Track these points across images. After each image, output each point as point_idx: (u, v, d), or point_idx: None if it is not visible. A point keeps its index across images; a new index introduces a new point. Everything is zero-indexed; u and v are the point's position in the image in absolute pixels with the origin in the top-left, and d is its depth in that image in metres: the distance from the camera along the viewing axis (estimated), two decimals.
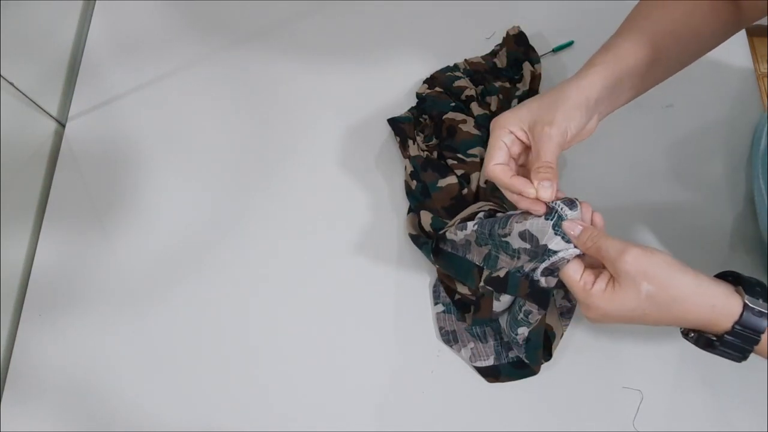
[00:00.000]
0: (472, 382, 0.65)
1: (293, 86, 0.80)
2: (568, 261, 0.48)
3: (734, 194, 0.71)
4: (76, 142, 0.79)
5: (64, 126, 0.80)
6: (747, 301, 0.41)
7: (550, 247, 0.49)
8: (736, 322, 0.41)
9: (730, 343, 0.41)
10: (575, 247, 0.48)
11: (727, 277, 0.46)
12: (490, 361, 0.65)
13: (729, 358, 0.43)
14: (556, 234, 0.49)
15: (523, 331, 0.60)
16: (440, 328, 0.67)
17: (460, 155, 0.70)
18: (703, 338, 0.43)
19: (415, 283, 0.69)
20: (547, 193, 0.48)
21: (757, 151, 0.68)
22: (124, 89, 0.82)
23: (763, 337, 0.41)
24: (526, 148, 0.51)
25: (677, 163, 0.73)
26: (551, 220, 0.49)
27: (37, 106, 0.76)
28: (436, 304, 0.68)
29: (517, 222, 0.54)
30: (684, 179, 0.72)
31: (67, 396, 0.68)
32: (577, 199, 0.51)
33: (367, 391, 0.66)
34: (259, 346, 0.68)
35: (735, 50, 0.77)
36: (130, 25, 0.86)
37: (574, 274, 0.46)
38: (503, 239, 0.56)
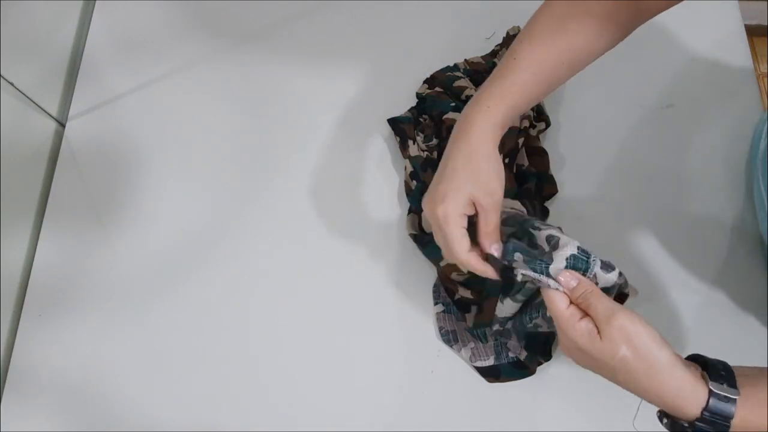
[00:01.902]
0: (472, 382, 0.65)
1: (293, 86, 0.80)
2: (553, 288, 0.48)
3: (734, 194, 0.71)
4: (76, 142, 0.79)
5: (64, 126, 0.80)
6: (711, 387, 0.41)
7: (553, 263, 0.48)
8: (704, 409, 0.40)
9: (702, 430, 0.41)
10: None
11: (697, 360, 0.45)
12: (490, 361, 0.65)
13: None
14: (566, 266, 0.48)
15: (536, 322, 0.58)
16: (440, 328, 0.67)
17: None
18: (677, 425, 0.43)
19: (415, 283, 0.69)
20: (498, 252, 0.52)
21: (757, 151, 0.68)
22: (124, 89, 0.82)
23: (734, 422, 0.40)
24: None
25: (677, 163, 0.73)
26: (580, 255, 0.49)
27: (37, 106, 0.76)
28: (436, 304, 0.68)
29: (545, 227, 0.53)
30: (684, 179, 0.72)
31: (67, 396, 0.68)
32: (612, 264, 0.50)
33: (367, 391, 0.66)
34: (258, 347, 0.68)
35: (735, 50, 0.77)
36: (130, 25, 0.86)
37: (561, 303, 0.46)
38: (533, 229, 0.54)
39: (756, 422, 0.40)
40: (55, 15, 0.83)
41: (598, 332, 0.44)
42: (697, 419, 0.41)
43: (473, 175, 0.50)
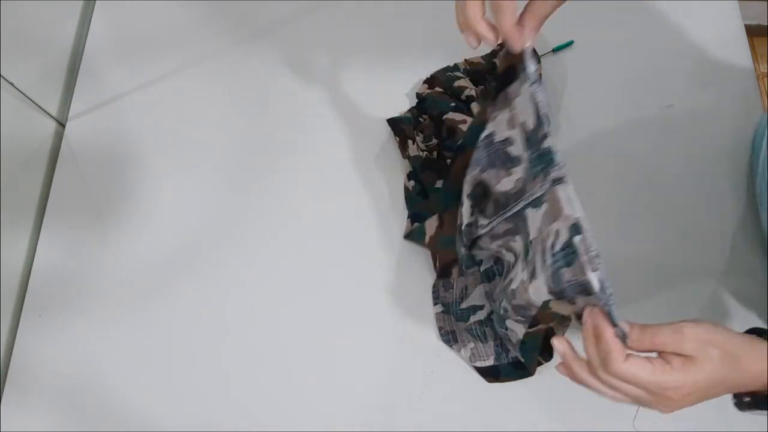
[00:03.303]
0: (472, 382, 0.65)
1: (293, 86, 0.80)
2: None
3: (734, 194, 0.71)
4: (76, 142, 0.79)
5: (64, 126, 0.80)
6: None
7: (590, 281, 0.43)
8: None
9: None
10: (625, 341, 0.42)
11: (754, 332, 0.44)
12: (490, 361, 0.65)
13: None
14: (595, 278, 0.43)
15: (513, 326, 0.57)
16: (440, 328, 0.67)
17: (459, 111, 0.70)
18: (763, 398, 0.41)
19: (415, 284, 0.69)
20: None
21: (758, 151, 0.68)
22: (124, 89, 0.82)
23: None
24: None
25: (677, 163, 0.73)
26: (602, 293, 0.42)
27: (37, 106, 0.76)
28: (435, 304, 0.68)
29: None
30: (684, 179, 0.72)
31: (66, 396, 0.68)
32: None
33: (368, 391, 0.66)
34: (258, 347, 0.68)
35: (735, 50, 0.77)
36: (130, 25, 0.86)
37: (644, 369, 0.40)
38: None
39: None
40: (55, 15, 0.83)
41: (684, 359, 0.41)
42: None
43: None
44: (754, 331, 0.44)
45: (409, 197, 0.72)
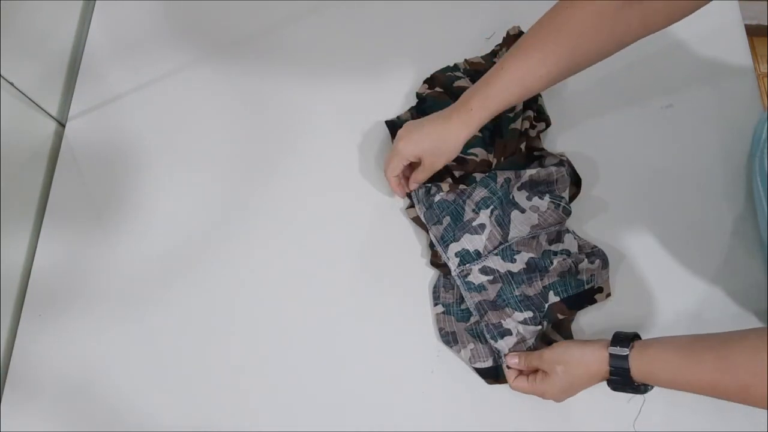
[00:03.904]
0: (472, 383, 0.65)
1: (293, 86, 0.80)
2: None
3: (734, 194, 0.71)
4: (76, 142, 0.79)
5: (64, 126, 0.80)
6: (609, 351, 0.56)
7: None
8: (610, 364, 0.56)
9: (615, 381, 0.56)
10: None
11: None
12: (489, 362, 0.64)
13: (633, 392, 0.57)
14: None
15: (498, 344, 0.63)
16: (440, 329, 0.67)
17: (460, 154, 0.70)
18: (610, 383, 0.57)
19: (415, 284, 0.69)
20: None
21: (757, 151, 0.68)
22: (124, 89, 0.82)
23: (632, 372, 0.54)
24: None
25: (677, 163, 0.73)
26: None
27: (37, 106, 0.76)
28: (435, 305, 0.68)
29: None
30: (684, 179, 0.72)
31: (66, 396, 0.68)
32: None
33: (368, 391, 0.66)
34: (258, 346, 0.68)
35: (735, 50, 0.77)
36: (130, 25, 0.86)
37: (523, 383, 0.61)
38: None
39: (645, 370, 0.54)
40: (55, 15, 0.83)
41: (543, 374, 0.60)
42: (610, 373, 0.56)
43: (436, 145, 0.65)
44: (616, 336, 0.57)
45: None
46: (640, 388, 0.56)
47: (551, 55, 0.58)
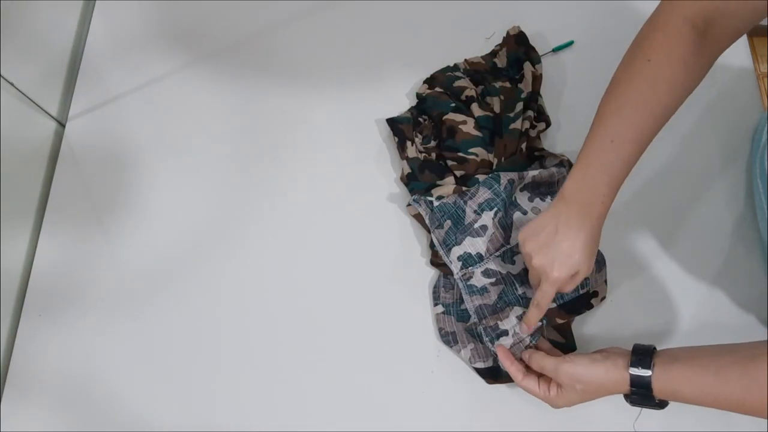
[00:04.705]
0: (472, 382, 0.65)
1: (293, 86, 0.80)
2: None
3: (734, 194, 0.71)
4: (76, 142, 0.79)
5: (64, 126, 0.80)
6: (631, 372, 0.55)
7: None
8: (631, 384, 0.55)
9: (634, 400, 0.56)
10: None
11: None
12: (489, 362, 0.64)
13: (652, 408, 0.57)
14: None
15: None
16: (440, 329, 0.67)
17: (461, 154, 0.70)
18: (628, 398, 0.57)
19: (415, 284, 0.69)
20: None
21: (757, 151, 0.68)
22: (124, 89, 0.82)
23: (656, 389, 0.54)
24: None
25: (677, 163, 0.73)
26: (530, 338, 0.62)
27: (37, 106, 0.76)
28: (435, 305, 0.68)
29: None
30: (684, 179, 0.72)
31: (66, 396, 0.68)
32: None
33: (368, 391, 0.66)
34: (258, 347, 0.68)
35: (735, 50, 0.77)
36: (130, 25, 0.86)
37: (534, 387, 0.60)
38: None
39: (669, 389, 0.53)
40: (55, 15, 0.83)
41: (558, 387, 0.58)
42: (632, 392, 0.55)
43: (588, 260, 0.57)
44: (636, 351, 0.56)
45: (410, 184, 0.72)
46: (660, 404, 0.56)
47: (654, 110, 0.57)
